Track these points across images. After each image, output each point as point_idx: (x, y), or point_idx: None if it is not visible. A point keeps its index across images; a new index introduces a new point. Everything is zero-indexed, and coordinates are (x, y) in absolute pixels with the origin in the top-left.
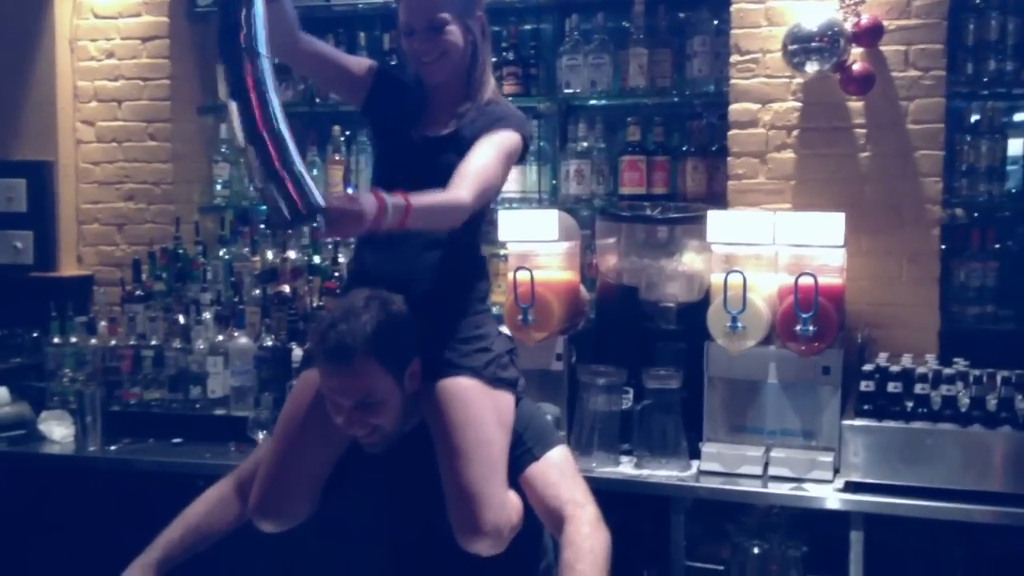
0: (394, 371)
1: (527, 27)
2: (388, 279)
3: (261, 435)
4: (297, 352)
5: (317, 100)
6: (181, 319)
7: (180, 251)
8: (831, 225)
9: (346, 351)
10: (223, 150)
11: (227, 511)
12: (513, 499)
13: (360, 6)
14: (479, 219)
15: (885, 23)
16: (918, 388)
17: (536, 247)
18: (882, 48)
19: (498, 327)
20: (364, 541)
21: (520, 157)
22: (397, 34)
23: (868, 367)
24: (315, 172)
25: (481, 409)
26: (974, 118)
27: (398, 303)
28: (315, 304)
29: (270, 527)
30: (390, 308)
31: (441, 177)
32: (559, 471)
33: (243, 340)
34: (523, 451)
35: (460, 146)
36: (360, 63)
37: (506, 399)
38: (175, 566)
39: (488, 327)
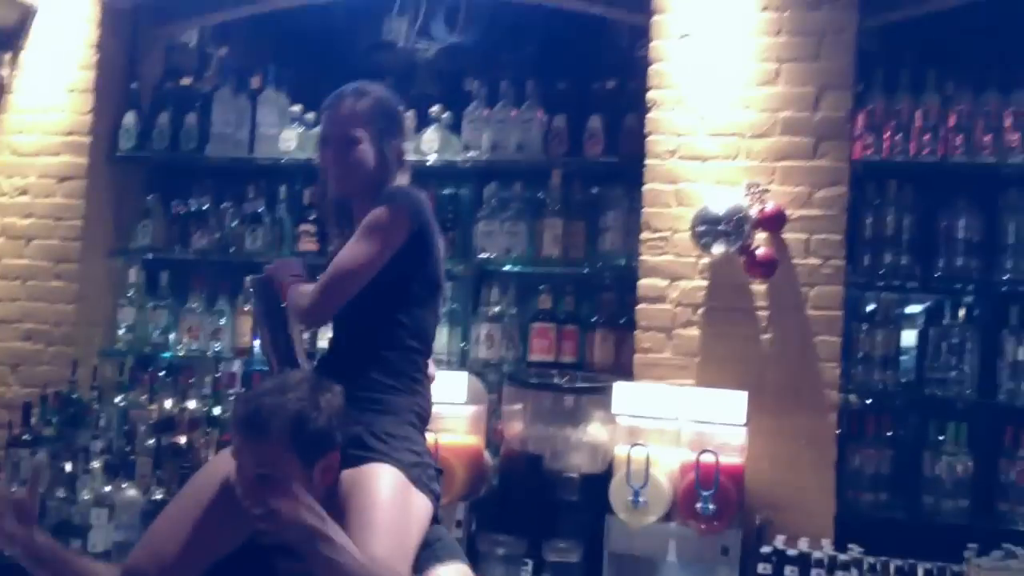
0: (305, 458)
1: (446, 191)
2: (334, 377)
3: None
4: None
5: (231, 250)
6: (68, 467)
7: (74, 395)
8: (734, 403)
9: (260, 424)
10: (130, 294)
11: None
12: None
13: (283, 160)
14: (405, 336)
15: (788, 212)
16: (814, 574)
17: (442, 409)
18: (785, 235)
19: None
20: None
21: (416, 234)
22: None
23: (766, 549)
24: (223, 322)
25: (400, 497)
26: (870, 308)
27: (334, 393)
28: (211, 457)
29: None
30: (321, 394)
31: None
32: None
33: (131, 492)
34: (430, 553)
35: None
36: None
37: (425, 504)
38: None
39: (422, 441)
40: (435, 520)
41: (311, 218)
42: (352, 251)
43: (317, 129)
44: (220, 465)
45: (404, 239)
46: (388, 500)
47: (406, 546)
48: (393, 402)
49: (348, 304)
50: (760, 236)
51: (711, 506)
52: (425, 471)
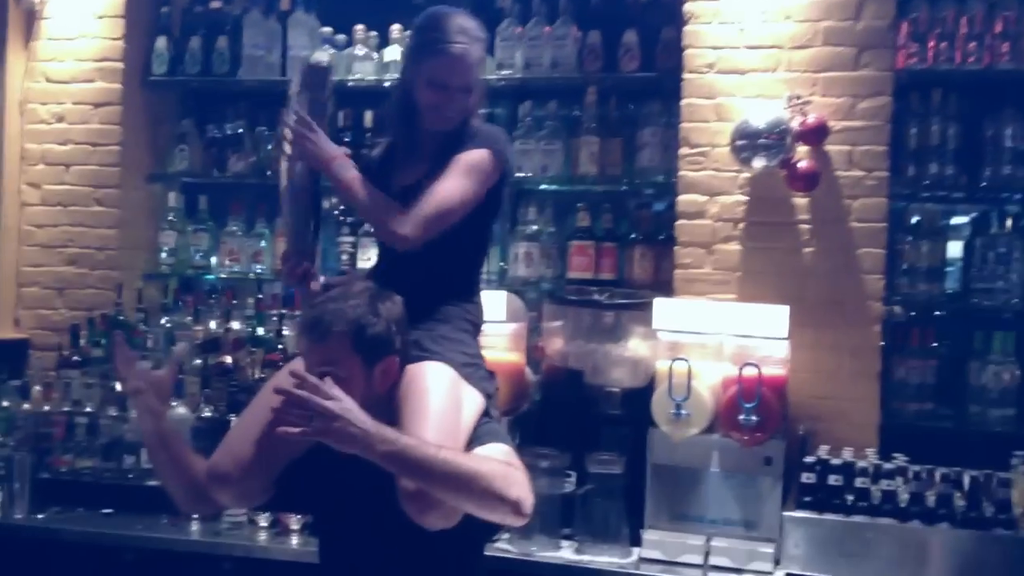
0: (366, 358)
1: (480, 112)
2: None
3: None
4: None
5: (268, 173)
6: (118, 387)
7: (120, 318)
8: (776, 317)
9: (323, 328)
10: (170, 218)
11: (197, 470)
12: None
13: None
14: (474, 249)
15: (830, 124)
16: (858, 482)
17: (483, 327)
18: (827, 147)
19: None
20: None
21: (502, 174)
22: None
23: (809, 459)
24: (263, 244)
25: (451, 389)
26: (915, 219)
27: (394, 302)
28: (257, 376)
29: (221, 492)
30: (381, 302)
31: None
32: (502, 456)
33: (181, 410)
34: (472, 436)
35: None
36: None
37: (475, 398)
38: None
39: (475, 345)
40: (486, 415)
41: (345, 140)
42: (457, 187)
43: (349, 50)
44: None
45: (496, 181)
46: (439, 392)
47: (456, 434)
48: (450, 311)
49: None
50: (802, 149)
51: (754, 418)
52: (476, 371)
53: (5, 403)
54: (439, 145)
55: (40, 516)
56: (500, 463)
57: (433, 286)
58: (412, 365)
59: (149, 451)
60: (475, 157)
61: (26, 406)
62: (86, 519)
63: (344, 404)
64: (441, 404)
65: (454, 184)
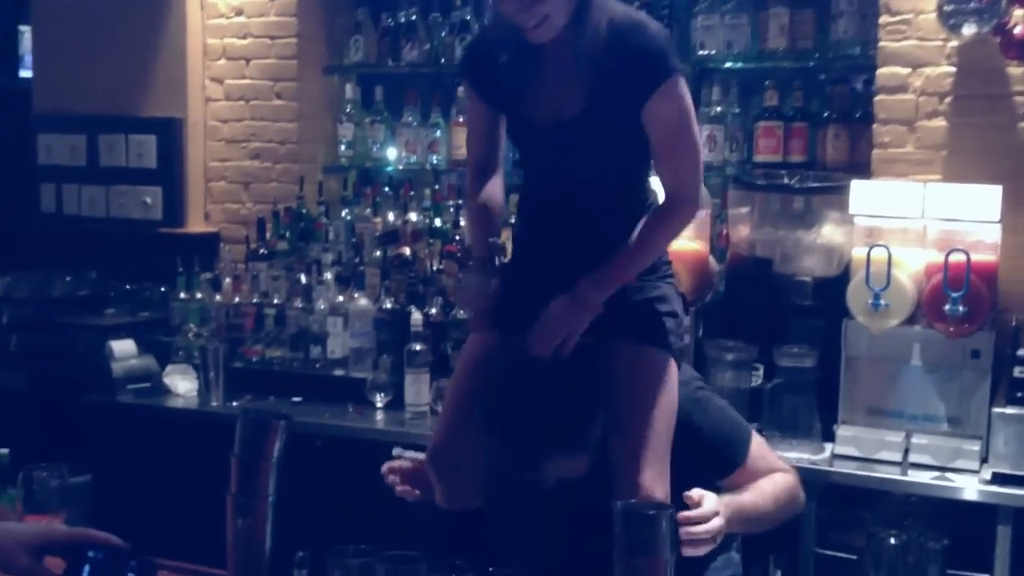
0: None
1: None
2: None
3: (379, 397)
4: (416, 316)
5: (442, 60)
6: (303, 278)
7: (303, 211)
8: (987, 198)
9: None
10: (348, 110)
11: None
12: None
13: None
14: (646, 187)
15: None
16: None
17: None
18: None
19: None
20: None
21: None
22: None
23: (1022, 352)
24: (438, 134)
25: (671, 386)
26: None
27: None
28: (435, 267)
29: (445, 481)
30: None
31: (591, 161)
32: (761, 457)
33: (363, 302)
34: (728, 461)
35: (603, 118)
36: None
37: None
38: None
39: (672, 289)
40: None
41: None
42: (695, 136)
43: None
44: (473, 349)
45: None
46: (664, 396)
47: (668, 433)
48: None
49: (600, 169)
50: (1018, 13)
51: (960, 308)
52: (679, 330)
53: (199, 295)
54: (570, 57)
55: (234, 404)
56: (779, 479)
57: (616, 226)
58: (637, 350)
59: None
60: (686, 95)
61: (218, 298)
62: (277, 406)
63: (717, 521)
64: (664, 408)
65: (692, 138)
